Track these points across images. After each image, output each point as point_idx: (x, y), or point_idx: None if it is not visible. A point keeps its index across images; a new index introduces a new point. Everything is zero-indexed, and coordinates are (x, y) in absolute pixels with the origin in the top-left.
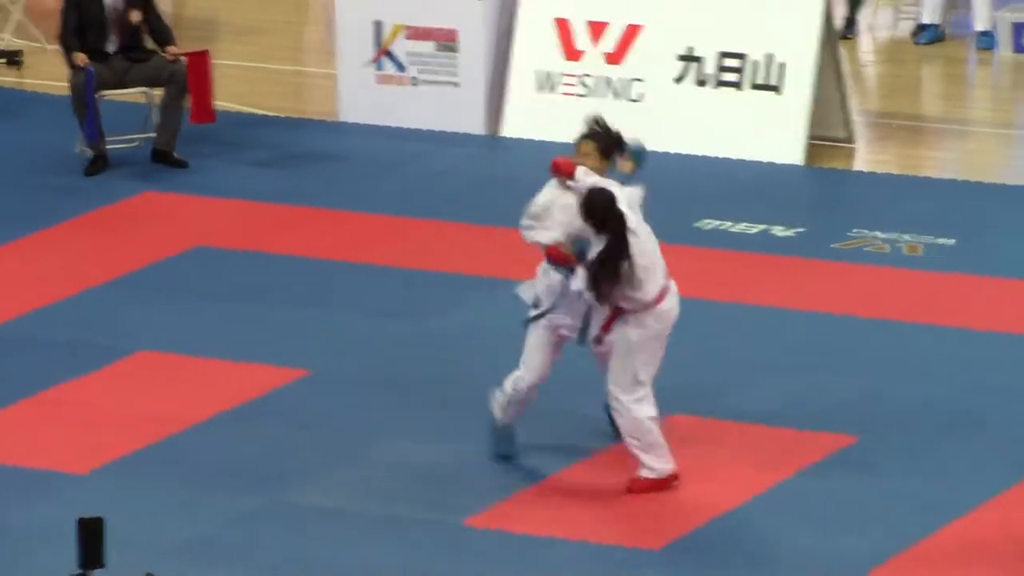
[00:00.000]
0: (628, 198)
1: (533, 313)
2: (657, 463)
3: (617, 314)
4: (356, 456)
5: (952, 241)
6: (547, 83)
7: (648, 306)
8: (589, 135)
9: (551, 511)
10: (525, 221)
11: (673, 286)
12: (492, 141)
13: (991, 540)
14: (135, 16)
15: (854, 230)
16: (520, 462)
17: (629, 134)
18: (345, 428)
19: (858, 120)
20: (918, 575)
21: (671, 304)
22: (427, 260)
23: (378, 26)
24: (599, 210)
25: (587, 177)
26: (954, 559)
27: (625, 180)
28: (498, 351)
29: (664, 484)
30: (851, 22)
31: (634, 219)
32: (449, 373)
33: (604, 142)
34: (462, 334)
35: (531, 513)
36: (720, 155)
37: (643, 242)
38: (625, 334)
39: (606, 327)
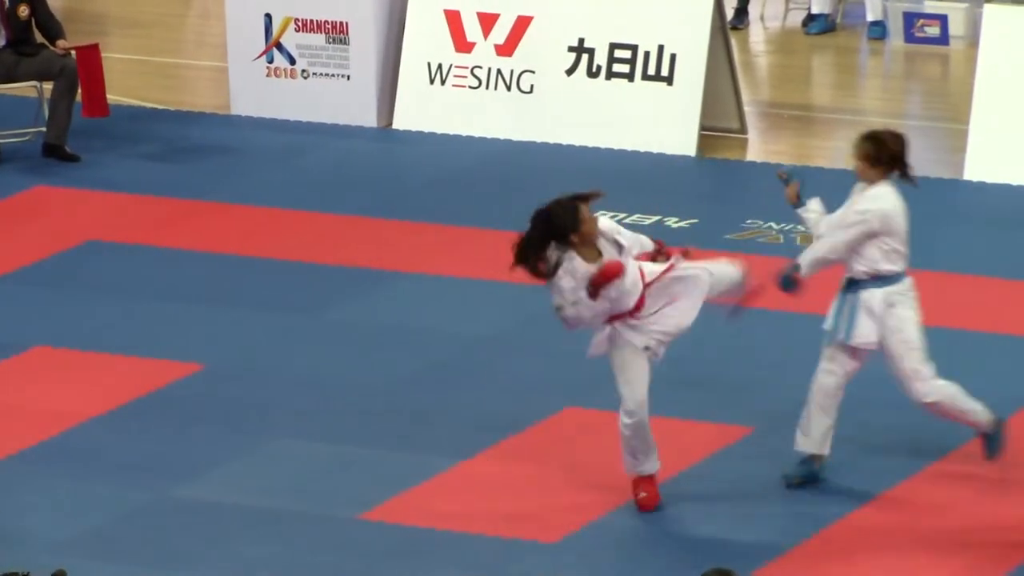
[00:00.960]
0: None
1: None
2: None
3: None
4: (249, 451)
5: None
6: (438, 75)
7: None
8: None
9: (448, 505)
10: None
11: None
12: (384, 133)
13: (887, 528)
14: (23, 10)
15: (748, 220)
16: (415, 456)
17: None
18: (238, 423)
19: (750, 111)
20: (813, 566)
21: None
22: (319, 253)
23: (268, 19)
24: None
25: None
26: (849, 550)
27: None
28: (391, 345)
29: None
30: (742, 12)
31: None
32: (342, 367)
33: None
34: (355, 328)
35: (427, 507)
36: (612, 146)
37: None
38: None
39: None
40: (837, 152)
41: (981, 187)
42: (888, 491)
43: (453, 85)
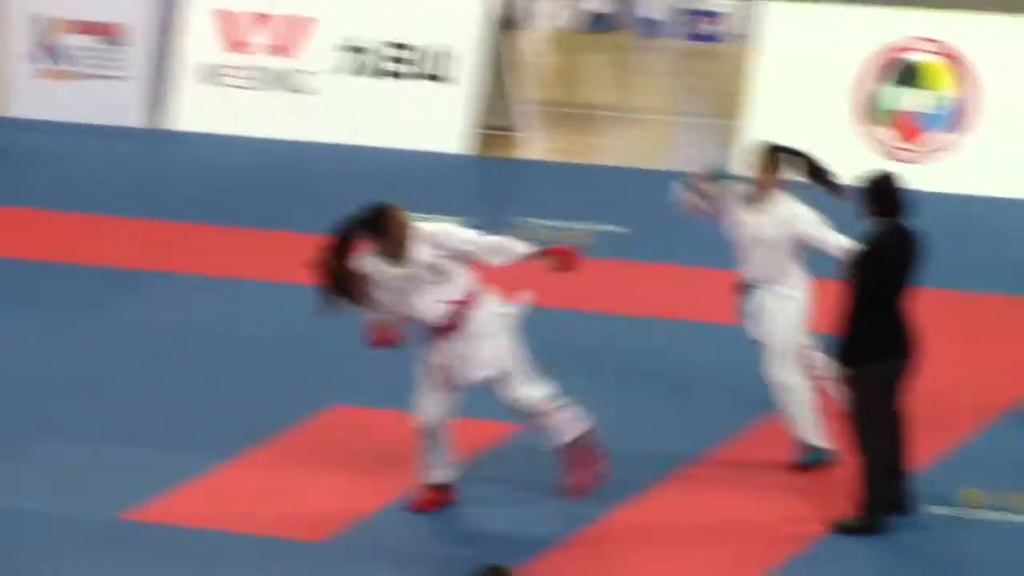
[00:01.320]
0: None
1: None
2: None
3: None
4: (10, 452)
5: (622, 229)
6: (212, 75)
7: None
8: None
9: (213, 505)
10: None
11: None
12: (157, 134)
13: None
14: None
15: (522, 218)
16: (179, 456)
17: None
18: (2, 423)
19: (525, 109)
20: (582, 560)
21: None
22: (90, 254)
23: (40, 20)
24: None
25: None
26: (619, 544)
27: None
28: (161, 345)
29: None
30: (518, 11)
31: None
32: (116, 367)
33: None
34: (126, 327)
35: (192, 507)
36: (387, 145)
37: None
38: None
39: None
40: (612, 149)
41: None
42: (650, 491)
43: (228, 85)
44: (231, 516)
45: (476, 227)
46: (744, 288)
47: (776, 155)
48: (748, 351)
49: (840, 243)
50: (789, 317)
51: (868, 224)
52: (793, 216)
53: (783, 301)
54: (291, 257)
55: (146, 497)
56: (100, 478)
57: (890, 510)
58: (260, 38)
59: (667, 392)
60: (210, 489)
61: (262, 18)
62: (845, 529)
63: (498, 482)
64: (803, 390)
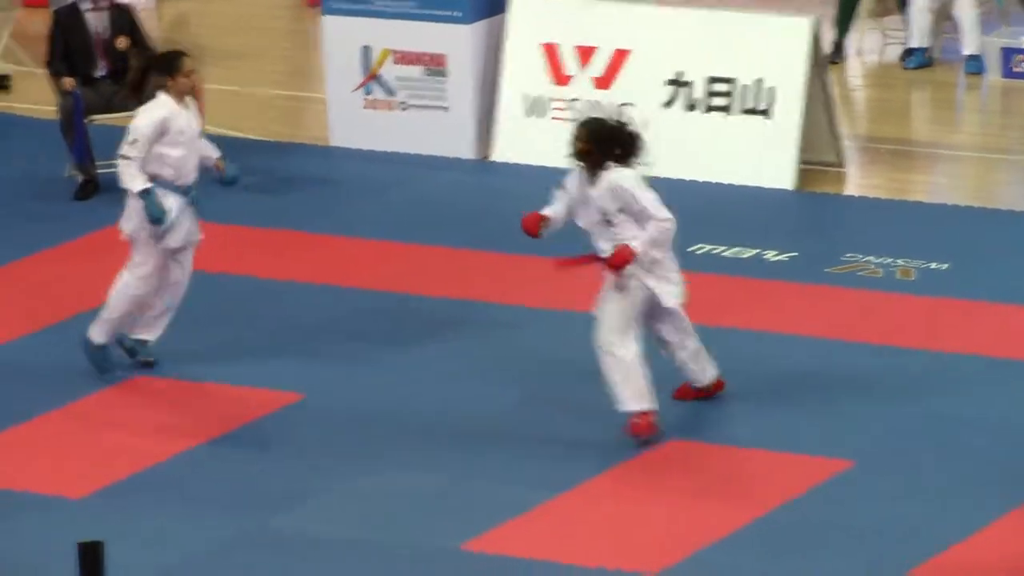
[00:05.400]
0: None
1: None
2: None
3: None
4: (347, 482)
5: (945, 265)
6: (536, 108)
7: None
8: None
9: (548, 535)
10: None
11: None
12: (481, 166)
13: (983, 567)
14: (122, 42)
15: (847, 254)
16: (514, 488)
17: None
18: (336, 453)
19: (848, 145)
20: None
21: None
22: (413, 284)
23: (367, 51)
24: None
25: None
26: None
27: None
28: (487, 377)
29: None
30: (839, 47)
31: None
32: (438, 401)
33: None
34: (451, 360)
35: (529, 537)
36: (711, 180)
37: None
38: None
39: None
40: (935, 187)
41: None
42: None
43: (552, 118)
44: (564, 546)
45: (796, 261)
46: None
47: None
48: None
49: None
50: None
51: None
52: None
53: None
54: None
55: (481, 528)
56: (437, 509)
57: None
58: (583, 71)
59: (986, 435)
60: (543, 520)
61: (586, 51)
62: None
63: (819, 520)
64: None
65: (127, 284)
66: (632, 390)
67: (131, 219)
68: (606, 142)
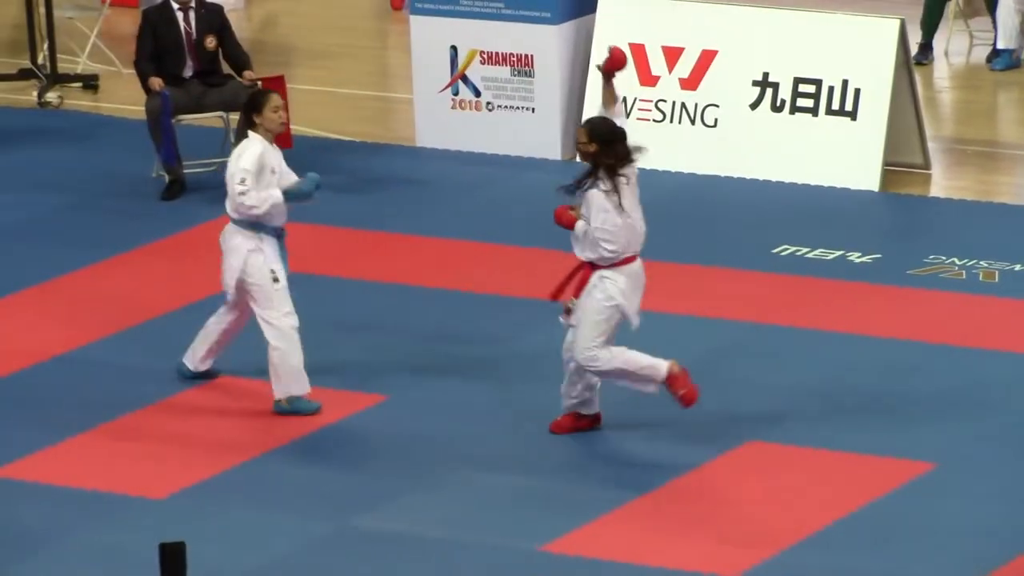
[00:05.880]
0: None
1: None
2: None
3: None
4: (428, 481)
5: None
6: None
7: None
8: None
9: (628, 537)
10: None
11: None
12: (567, 166)
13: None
14: (211, 42)
15: (930, 256)
16: (594, 489)
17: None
18: (421, 454)
19: (933, 146)
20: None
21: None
22: (501, 285)
23: (454, 51)
24: None
25: None
26: None
27: None
28: (557, 378)
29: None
30: (926, 48)
31: None
32: (521, 399)
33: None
34: (540, 360)
35: (607, 539)
36: (796, 181)
37: None
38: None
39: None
40: (1022, 189)
41: None
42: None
43: (637, 119)
44: (644, 548)
45: (880, 262)
46: None
47: None
48: None
49: None
50: None
51: None
52: None
53: None
54: (704, 290)
55: (562, 530)
56: (517, 509)
57: None
58: (670, 72)
59: None
60: (623, 522)
61: (673, 52)
62: None
63: (900, 522)
64: None
65: (286, 336)
66: (647, 361)
67: (254, 273)
68: (608, 141)
